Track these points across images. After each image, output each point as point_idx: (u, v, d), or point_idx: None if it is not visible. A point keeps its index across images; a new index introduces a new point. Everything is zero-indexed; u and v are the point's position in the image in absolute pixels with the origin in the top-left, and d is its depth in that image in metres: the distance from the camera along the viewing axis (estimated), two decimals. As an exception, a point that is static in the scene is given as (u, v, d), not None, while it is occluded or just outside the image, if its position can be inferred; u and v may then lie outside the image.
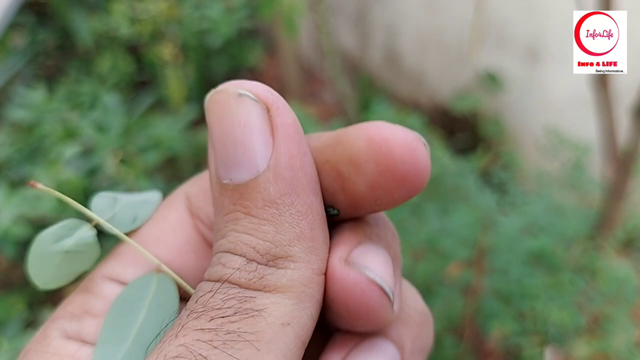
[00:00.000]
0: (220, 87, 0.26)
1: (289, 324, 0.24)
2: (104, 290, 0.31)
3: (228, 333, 0.23)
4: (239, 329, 0.23)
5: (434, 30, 1.85)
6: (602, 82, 0.97)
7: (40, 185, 0.30)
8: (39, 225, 1.43)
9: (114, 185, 1.55)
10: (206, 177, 0.32)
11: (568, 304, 0.88)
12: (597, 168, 1.22)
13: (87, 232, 0.31)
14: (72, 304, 0.31)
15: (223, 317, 0.24)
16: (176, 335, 0.24)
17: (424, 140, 0.26)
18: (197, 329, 0.23)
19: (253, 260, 0.25)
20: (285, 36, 1.48)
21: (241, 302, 0.24)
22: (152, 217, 0.33)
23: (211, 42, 1.97)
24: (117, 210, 0.32)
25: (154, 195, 0.34)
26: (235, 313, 0.24)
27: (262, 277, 0.25)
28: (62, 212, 1.33)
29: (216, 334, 0.23)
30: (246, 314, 0.24)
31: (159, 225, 0.32)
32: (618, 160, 1.03)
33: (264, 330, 0.23)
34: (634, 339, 0.98)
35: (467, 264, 1.07)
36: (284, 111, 0.26)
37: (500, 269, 1.00)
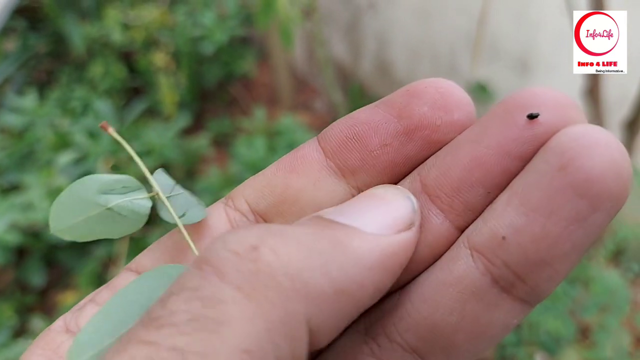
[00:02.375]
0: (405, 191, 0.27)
1: (249, 352, 0.19)
2: (120, 281, 0.28)
3: (172, 350, 0.18)
4: (186, 345, 0.18)
5: (425, 40, 1.87)
6: (593, 94, 0.98)
7: (111, 130, 0.28)
8: (30, 232, 1.42)
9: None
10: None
11: (562, 313, 0.89)
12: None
13: (142, 199, 0.27)
14: (82, 300, 0.29)
15: (174, 324, 0.19)
16: (118, 350, 0.19)
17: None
18: (139, 342, 0.19)
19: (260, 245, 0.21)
20: (281, 46, 1.49)
21: (204, 306, 0.19)
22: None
23: (204, 49, 1.97)
24: (173, 194, 0.28)
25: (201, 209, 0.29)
26: (190, 320, 0.19)
27: (256, 272, 0.20)
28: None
29: (157, 350, 0.18)
30: (204, 326, 0.19)
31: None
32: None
33: (217, 352, 0.18)
34: (625, 348, 1.00)
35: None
36: (416, 234, 0.26)
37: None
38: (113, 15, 1.88)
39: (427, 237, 0.27)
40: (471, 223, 0.27)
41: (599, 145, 0.23)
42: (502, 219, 0.24)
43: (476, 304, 0.25)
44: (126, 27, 1.93)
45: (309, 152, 0.29)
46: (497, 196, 0.26)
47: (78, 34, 1.91)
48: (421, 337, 0.26)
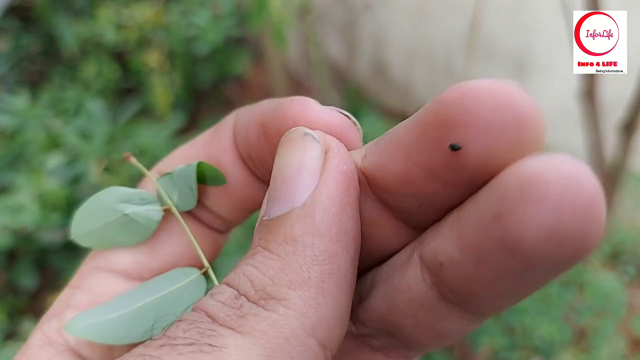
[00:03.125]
0: (295, 127, 0.26)
1: None
2: (91, 281, 0.29)
3: None
4: None
5: (421, 41, 1.87)
6: (589, 96, 0.98)
7: (133, 159, 0.30)
8: (21, 235, 1.40)
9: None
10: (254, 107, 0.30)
11: (556, 317, 0.88)
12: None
13: (156, 210, 0.29)
14: (56, 304, 0.29)
15: (174, 346, 0.20)
16: None
17: (353, 119, 0.26)
18: (138, 355, 0.21)
19: (244, 295, 0.22)
20: (274, 47, 1.48)
21: (202, 335, 0.21)
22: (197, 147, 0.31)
23: (198, 49, 1.96)
24: (177, 187, 0.31)
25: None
26: (189, 344, 0.21)
27: (242, 316, 0.21)
28: (43, 224, 1.31)
29: None
30: (200, 348, 0.20)
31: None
32: (605, 175, 1.04)
33: None
34: (621, 352, 0.99)
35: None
36: (342, 156, 0.24)
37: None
38: (106, 15, 1.87)
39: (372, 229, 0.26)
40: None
41: (547, 199, 0.18)
42: (443, 244, 0.22)
43: (427, 314, 0.24)
44: (119, 26, 1.92)
45: (226, 147, 0.30)
46: (432, 209, 0.24)
47: (71, 33, 1.89)
48: (386, 329, 0.26)
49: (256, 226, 0.25)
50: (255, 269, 0.23)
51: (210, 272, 0.29)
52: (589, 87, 0.96)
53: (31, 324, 1.42)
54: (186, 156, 0.31)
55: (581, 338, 1.05)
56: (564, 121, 1.48)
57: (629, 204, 1.18)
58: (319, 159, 0.24)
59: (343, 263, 0.23)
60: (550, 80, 1.51)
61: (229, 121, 0.30)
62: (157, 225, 0.30)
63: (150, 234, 0.30)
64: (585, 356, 0.99)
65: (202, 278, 0.28)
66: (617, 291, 1.01)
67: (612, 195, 1.05)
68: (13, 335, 1.43)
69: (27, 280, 1.51)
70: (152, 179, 0.30)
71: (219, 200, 0.31)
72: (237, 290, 0.22)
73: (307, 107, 0.26)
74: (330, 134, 0.25)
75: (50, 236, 1.41)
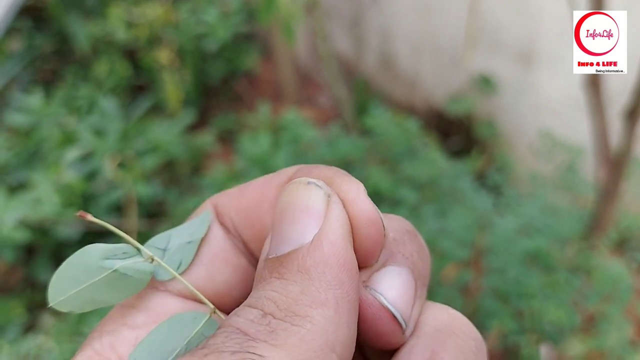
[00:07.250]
0: (295, 179, 0.28)
1: None
2: (149, 301, 0.30)
3: None
4: None
5: (428, 34, 1.88)
6: (594, 85, 0.99)
7: (90, 217, 0.29)
8: (39, 229, 1.44)
9: (112, 189, 1.56)
10: (232, 190, 0.33)
11: (564, 302, 0.90)
12: (590, 170, 1.24)
13: (143, 261, 0.29)
14: (107, 321, 0.30)
15: (220, 353, 0.23)
16: None
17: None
18: None
19: (270, 314, 0.25)
20: (283, 42, 1.50)
21: (241, 346, 0.23)
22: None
23: (207, 46, 1.98)
24: (167, 255, 0.31)
25: (203, 220, 0.32)
26: (233, 352, 0.23)
27: (272, 331, 0.24)
28: (62, 215, 1.34)
29: None
30: (243, 357, 0.22)
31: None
32: (610, 162, 1.05)
33: None
34: (627, 337, 1.01)
35: (465, 265, 1.09)
36: (340, 204, 0.27)
37: (498, 268, 1.01)
38: (117, 14, 1.90)
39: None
40: None
41: None
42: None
43: None
44: (130, 25, 1.94)
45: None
46: None
47: (83, 32, 1.92)
48: None
49: (261, 265, 0.27)
50: (275, 292, 0.25)
51: (218, 312, 0.29)
52: (594, 75, 0.97)
53: (50, 318, 1.45)
54: (240, 194, 0.32)
55: (589, 324, 1.06)
56: (570, 110, 1.49)
57: (636, 190, 1.19)
58: (324, 203, 0.27)
59: (350, 288, 0.26)
60: (555, 69, 1.52)
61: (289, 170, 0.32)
62: (150, 277, 0.29)
63: (143, 287, 0.29)
64: (593, 341, 1.01)
65: (214, 321, 0.29)
66: (625, 277, 1.02)
67: (618, 182, 1.06)
68: (32, 329, 1.47)
69: (45, 274, 1.54)
70: (118, 232, 0.30)
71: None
72: (262, 310, 0.25)
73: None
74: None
75: (67, 230, 1.44)
